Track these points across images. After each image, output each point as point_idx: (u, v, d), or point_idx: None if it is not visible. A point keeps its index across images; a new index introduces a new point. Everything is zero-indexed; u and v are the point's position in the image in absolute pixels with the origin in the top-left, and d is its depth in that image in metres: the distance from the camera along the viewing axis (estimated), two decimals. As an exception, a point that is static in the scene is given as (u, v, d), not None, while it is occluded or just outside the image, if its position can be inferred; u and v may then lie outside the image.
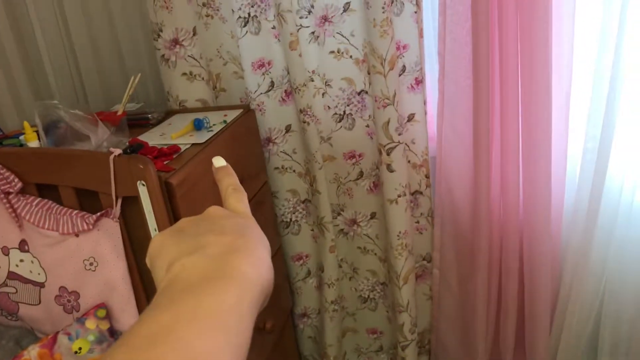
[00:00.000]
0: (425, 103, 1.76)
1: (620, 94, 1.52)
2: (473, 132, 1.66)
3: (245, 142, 1.71)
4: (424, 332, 2.13)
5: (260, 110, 1.76)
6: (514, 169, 1.66)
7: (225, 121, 1.59)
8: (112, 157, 1.24)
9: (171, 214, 1.29)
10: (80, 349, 1.34)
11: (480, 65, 1.55)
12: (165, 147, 1.42)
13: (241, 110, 1.73)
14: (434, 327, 2.07)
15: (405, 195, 1.81)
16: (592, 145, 1.62)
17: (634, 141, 1.60)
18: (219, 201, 1.50)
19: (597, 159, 1.60)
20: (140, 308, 1.39)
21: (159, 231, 1.25)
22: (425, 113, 1.78)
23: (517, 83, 1.56)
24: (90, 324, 1.37)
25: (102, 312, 1.38)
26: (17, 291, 1.47)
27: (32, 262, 1.41)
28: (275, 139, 1.81)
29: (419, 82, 1.72)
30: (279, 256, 1.89)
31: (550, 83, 1.54)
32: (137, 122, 1.72)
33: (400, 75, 1.69)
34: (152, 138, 1.54)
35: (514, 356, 1.94)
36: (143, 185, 1.23)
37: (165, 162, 1.36)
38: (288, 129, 1.80)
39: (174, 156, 1.40)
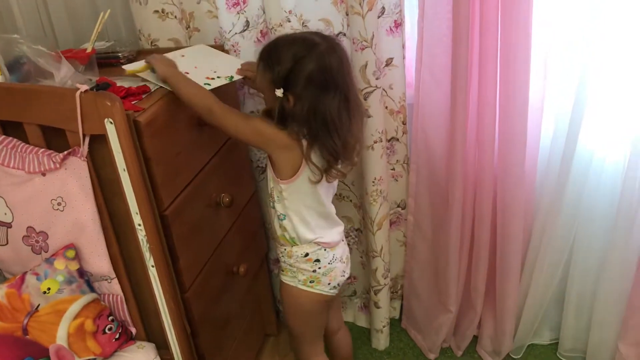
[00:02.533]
0: (404, 47, 1.73)
1: (597, 48, 1.51)
2: (451, 79, 1.63)
3: (219, 83, 1.67)
4: (397, 278, 2.16)
5: (235, 51, 1.71)
6: (491, 119, 1.65)
7: (232, 77, 1.54)
8: (78, 93, 1.19)
9: (140, 154, 1.26)
10: (49, 289, 1.33)
11: (460, 12, 1.51)
12: (134, 86, 1.38)
13: (215, 50, 1.68)
14: (407, 272, 2.09)
15: (381, 141, 1.79)
16: (568, 99, 1.61)
17: (608, 96, 1.60)
18: (191, 141, 1.46)
19: (572, 115, 1.60)
20: (110, 249, 1.37)
21: (128, 171, 1.23)
22: (404, 58, 1.74)
23: (497, 32, 1.53)
24: (59, 264, 1.35)
25: (71, 253, 1.36)
26: (-17, 231, 1.44)
27: (-2, 201, 1.38)
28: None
29: (398, 25, 1.68)
30: (254, 201, 1.87)
31: (530, 34, 1.51)
32: (107, 61, 1.66)
33: (379, 17, 1.65)
34: (124, 78, 1.49)
35: (484, 303, 1.97)
36: (111, 123, 1.19)
37: (133, 102, 1.32)
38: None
39: (143, 96, 1.36)
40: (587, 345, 1.91)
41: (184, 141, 1.43)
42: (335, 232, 1.53)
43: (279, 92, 1.33)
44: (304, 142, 1.36)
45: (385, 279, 2.00)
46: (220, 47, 1.70)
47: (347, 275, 1.59)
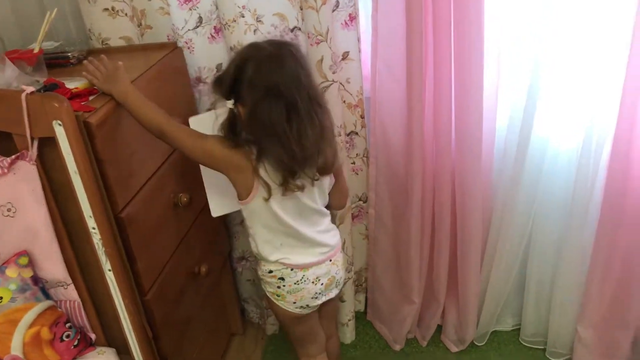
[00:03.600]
0: (359, 40, 1.72)
1: (548, 40, 1.53)
2: (407, 72, 1.64)
3: (173, 81, 1.64)
4: (361, 271, 2.16)
5: (189, 48, 1.69)
6: (447, 111, 1.67)
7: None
8: (24, 95, 1.16)
9: (92, 156, 1.23)
10: (1, 298, 1.29)
11: (413, 5, 1.52)
12: (81, 87, 1.34)
13: (168, 49, 1.65)
14: (370, 265, 2.10)
15: (340, 135, 1.79)
16: (521, 90, 1.63)
17: (560, 87, 1.62)
18: (145, 141, 1.43)
19: (526, 105, 1.62)
20: (65, 255, 1.34)
21: (80, 174, 1.19)
22: (360, 51, 1.74)
23: (450, 25, 1.54)
24: (12, 272, 1.31)
25: (24, 260, 1.32)
26: None
27: (-56, 209, 1.33)
28: (206, 78, 1.74)
29: (353, 18, 1.68)
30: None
31: (483, 27, 1.53)
32: (57, 62, 1.62)
33: (333, 10, 1.65)
34: (74, 79, 1.45)
35: (447, 293, 1.99)
36: (60, 125, 1.16)
37: (82, 103, 1.28)
38: (219, 68, 1.73)
39: (90, 98, 1.32)
40: (547, 329, 1.94)
41: (137, 141, 1.40)
42: (310, 253, 1.46)
43: (229, 104, 1.30)
44: (254, 156, 1.31)
45: (349, 272, 2.00)
46: (173, 45, 1.67)
47: (323, 298, 1.52)
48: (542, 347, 2.00)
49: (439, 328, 2.09)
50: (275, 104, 1.25)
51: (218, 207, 1.56)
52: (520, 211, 1.80)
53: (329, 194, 1.50)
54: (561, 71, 1.59)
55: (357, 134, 1.89)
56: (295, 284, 1.46)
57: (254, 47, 1.32)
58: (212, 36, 1.70)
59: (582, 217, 1.71)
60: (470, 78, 1.59)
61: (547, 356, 1.97)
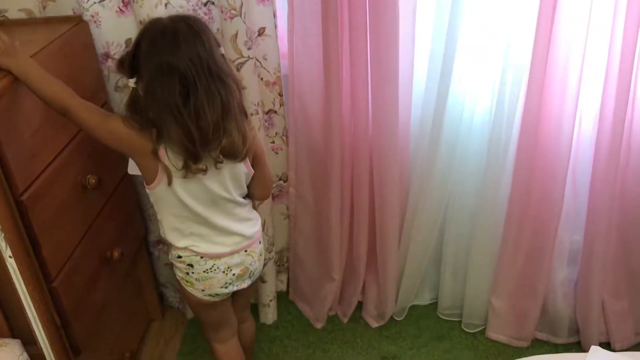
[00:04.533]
0: (275, 16, 1.69)
1: (462, 6, 1.55)
2: (323, 49, 1.63)
3: (79, 57, 1.55)
4: (283, 251, 2.15)
5: (95, 22, 1.60)
6: (363, 85, 1.67)
7: None
8: None
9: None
10: None
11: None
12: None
13: (73, 22, 1.56)
14: (292, 245, 2.09)
15: (258, 114, 1.76)
16: (437, 62, 1.65)
17: (475, 58, 1.66)
18: (48, 119, 1.34)
19: (441, 77, 1.65)
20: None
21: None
22: (276, 27, 1.71)
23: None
24: None
25: None
26: None
27: None
28: (114, 54, 1.66)
29: (268, -7, 1.64)
30: (127, 182, 1.78)
31: (397, 13, 1.54)
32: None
33: (247, -16, 1.60)
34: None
35: (366, 269, 2.02)
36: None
37: (-25, 77, 1.19)
38: (128, 43, 1.66)
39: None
40: (463, 302, 2.01)
41: (39, 119, 1.32)
42: (223, 243, 1.41)
43: (131, 82, 1.24)
44: (154, 137, 1.26)
45: (270, 252, 1.99)
46: (79, 18, 1.58)
47: (234, 288, 1.48)
48: (458, 320, 2.06)
49: (360, 304, 2.12)
50: (169, 81, 1.19)
51: (134, 166, 1.43)
52: (436, 184, 1.83)
53: (249, 185, 1.45)
54: (474, 36, 1.62)
55: (276, 112, 1.86)
56: (204, 272, 1.42)
57: (152, 22, 1.27)
58: (121, 10, 1.61)
59: (495, 185, 1.77)
60: (386, 50, 1.59)
61: (463, 327, 2.04)
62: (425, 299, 2.14)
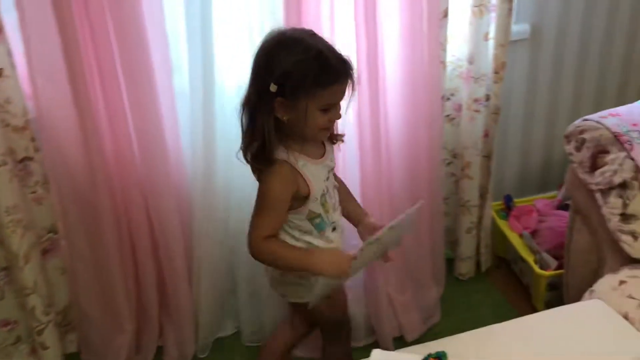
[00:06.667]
0: (10, 55, 1.54)
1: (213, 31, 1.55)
2: (70, 85, 1.52)
3: None
4: (66, 309, 1.95)
5: None
6: (123, 121, 1.59)
7: None
8: None
9: None
10: None
11: (62, 9, 1.40)
12: None
13: None
14: (74, 301, 1.91)
15: (7, 164, 1.58)
16: (198, 85, 1.63)
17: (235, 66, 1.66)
18: None
19: (203, 97, 1.62)
20: None
21: None
22: (15, 67, 1.56)
23: (106, 21, 1.47)
24: None
25: None
26: None
27: None
28: None
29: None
30: None
31: (147, 36, 1.50)
32: None
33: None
34: None
35: (160, 312, 1.91)
36: None
37: None
38: None
39: None
40: (264, 325, 1.98)
41: None
42: None
43: None
44: None
45: (47, 315, 1.78)
46: None
47: None
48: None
49: (160, 349, 1.99)
50: None
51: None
52: (219, 206, 1.79)
53: None
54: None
55: (31, 159, 1.69)
56: None
57: None
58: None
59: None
60: (140, 79, 1.54)
61: (269, 351, 2.01)
62: (228, 329, 2.08)
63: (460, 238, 2.19)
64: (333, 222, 1.46)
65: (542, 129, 2.37)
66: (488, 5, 1.85)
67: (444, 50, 1.85)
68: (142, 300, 1.87)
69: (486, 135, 2.06)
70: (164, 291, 1.87)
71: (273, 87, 1.24)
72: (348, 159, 1.79)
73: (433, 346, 1.29)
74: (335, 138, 1.48)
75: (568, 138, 1.70)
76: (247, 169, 1.76)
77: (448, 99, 2.02)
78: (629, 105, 1.76)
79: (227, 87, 1.68)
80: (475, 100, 1.98)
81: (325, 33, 1.55)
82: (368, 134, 1.71)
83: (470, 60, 1.93)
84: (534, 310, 2.00)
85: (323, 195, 1.40)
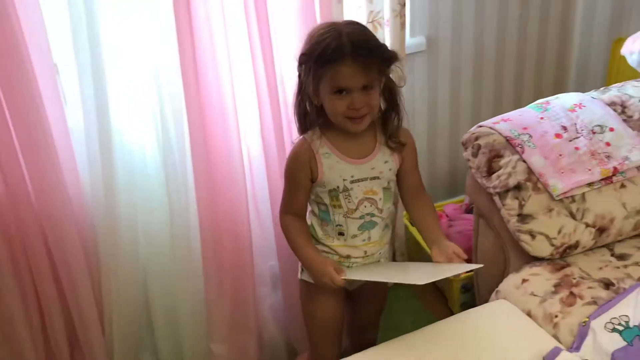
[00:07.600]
0: None
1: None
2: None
3: None
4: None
5: None
6: (12, 159, 1.52)
7: None
8: None
9: None
10: None
11: None
12: None
13: None
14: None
15: None
16: (91, 115, 1.57)
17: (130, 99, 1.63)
18: None
19: (99, 129, 1.58)
20: None
21: None
22: None
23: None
24: None
25: None
26: None
27: None
28: None
29: None
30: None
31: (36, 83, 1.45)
32: None
33: None
34: None
35: (71, 356, 1.83)
36: None
37: None
38: None
39: None
40: (184, 357, 1.93)
41: None
42: None
43: None
44: None
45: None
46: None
47: None
48: (185, 377, 1.98)
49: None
50: None
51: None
52: (127, 240, 1.73)
53: None
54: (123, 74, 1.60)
55: None
56: None
57: None
58: None
59: (185, 233, 1.74)
60: (28, 118, 1.47)
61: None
62: (147, 364, 2.01)
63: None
64: (339, 225, 1.45)
65: (446, 137, 2.45)
66: (382, 21, 1.89)
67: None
68: (51, 346, 1.78)
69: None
70: (75, 334, 1.79)
71: (298, 69, 1.35)
72: (257, 178, 1.78)
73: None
74: (393, 140, 1.43)
75: (465, 145, 1.75)
76: (152, 200, 1.74)
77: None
78: (520, 109, 1.82)
79: (122, 118, 1.64)
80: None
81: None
82: (274, 152, 1.70)
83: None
84: (451, 313, 2.05)
85: (336, 190, 1.42)
